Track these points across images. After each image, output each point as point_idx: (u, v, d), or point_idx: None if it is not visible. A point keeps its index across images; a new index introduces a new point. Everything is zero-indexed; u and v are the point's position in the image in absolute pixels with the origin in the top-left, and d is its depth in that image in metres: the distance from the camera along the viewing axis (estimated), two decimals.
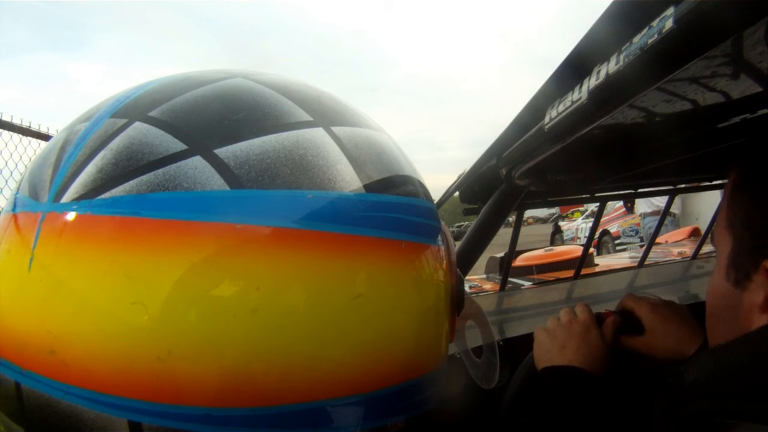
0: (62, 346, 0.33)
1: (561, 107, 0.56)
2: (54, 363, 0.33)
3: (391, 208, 0.40)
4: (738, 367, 0.41)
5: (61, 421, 0.34)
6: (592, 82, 0.49)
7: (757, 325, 0.44)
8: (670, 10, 0.37)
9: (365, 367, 0.37)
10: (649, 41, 0.39)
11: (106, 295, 0.33)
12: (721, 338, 0.46)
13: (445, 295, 0.44)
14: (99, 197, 0.35)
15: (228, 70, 0.45)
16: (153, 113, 0.39)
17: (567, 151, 0.64)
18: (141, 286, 0.33)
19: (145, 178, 0.35)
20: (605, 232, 7.81)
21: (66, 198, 0.36)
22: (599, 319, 0.73)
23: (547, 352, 0.71)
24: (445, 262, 0.44)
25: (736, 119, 0.66)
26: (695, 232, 3.73)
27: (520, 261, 3.04)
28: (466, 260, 1.01)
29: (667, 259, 2.30)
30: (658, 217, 3.97)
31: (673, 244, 3.22)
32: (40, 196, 0.37)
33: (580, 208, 11.16)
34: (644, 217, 5.95)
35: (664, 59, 0.40)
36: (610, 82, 0.46)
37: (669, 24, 0.37)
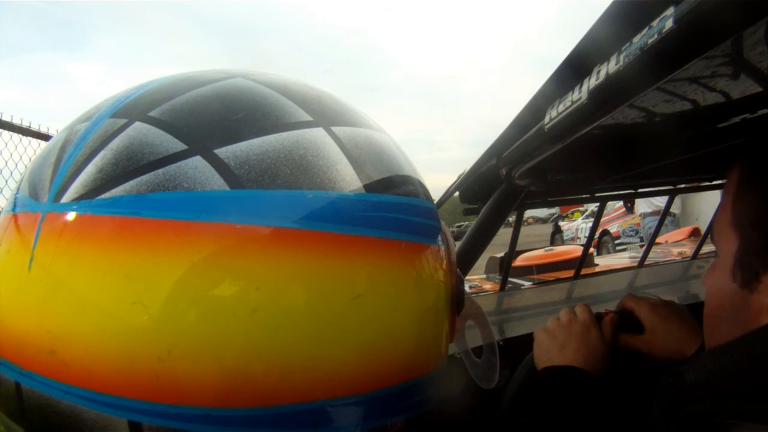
0: (62, 346, 0.33)
1: (561, 107, 0.56)
2: (54, 363, 0.33)
3: (391, 208, 0.40)
4: (738, 367, 0.41)
5: (61, 421, 0.34)
6: (592, 82, 0.49)
7: None
8: (670, 10, 0.37)
9: (365, 367, 0.37)
10: (649, 41, 0.39)
11: (106, 295, 0.33)
12: (722, 340, 0.44)
13: (445, 295, 0.44)
14: (99, 197, 0.35)
15: (228, 70, 0.45)
16: (153, 113, 0.39)
17: (567, 151, 0.64)
18: (141, 286, 0.33)
19: (145, 178, 0.35)
20: (605, 232, 7.81)
21: (66, 198, 0.36)
22: (599, 319, 0.73)
23: (547, 352, 0.71)
24: (445, 262, 0.44)
25: (736, 119, 0.66)
26: (695, 232, 3.73)
27: (520, 261, 3.04)
28: (466, 260, 1.01)
29: (667, 259, 2.30)
30: (658, 217, 3.97)
31: (673, 244, 3.22)
32: (40, 196, 0.37)
33: (580, 208, 11.16)
34: (644, 217, 5.95)
35: (664, 59, 0.40)
36: (610, 82, 0.46)
37: (669, 24, 0.37)
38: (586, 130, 0.56)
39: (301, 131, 0.39)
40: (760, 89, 0.56)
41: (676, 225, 5.27)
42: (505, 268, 1.56)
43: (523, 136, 0.71)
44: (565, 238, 10.05)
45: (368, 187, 0.40)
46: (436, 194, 0.77)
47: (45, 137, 2.71)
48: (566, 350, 0.69)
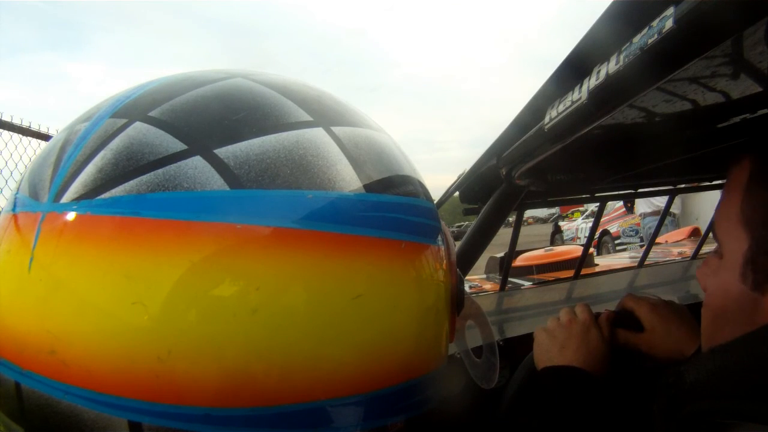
0: (62, 346, 0.33)
1: (561, 107, 0.56)
2: (54, 363, 0.33)
3: (391, 208, 0.40)
4: (738, 367, 0.41)
5: (61, 421, 0.34)
6: (592, 82, 0.49)
7: None
8: (670, 10, 0.37)
9: (365, 367, 0.37)
10: (649, 41, 0.39)
11: (106, 295, 0.33)
12: (725, 341, 0.43)
13: (445, 295, 0.44)
14: (99, 197, 0.35)
15: (228, 70, 0.45)
16: (153, 113, 0.39)
17: (567, 151, 0.64)
18: (141, 286, 0.33)
19: (145, 178, 0.35)
20: (605, 232, 7.81)
21: (66, 198, 0.36)
22: (599, 319, 0.73)
23: (547, 352, 0.71)
24: (445, 262, 0.44)
25: (736, 119, 0.66)
26: (695, 232, 3.73)
27: (520, 261, 3.04)
28: (466, 260, 1.01)
29: (667, 259, 2.30)
30: (658, 217, 3.97)
31: (673, 244, 3.22)
32: (40, 196, 0.37)
33: (580, 208, 11.17)
34: (644, 217, 5.95)
35: (664, 59, 0.40)
36: (610, 82, 0.46)
37: (669, 24, 0.37)
38: (586, 130, 0.56)
39: (301, 131, 0.39)
40: (760, 89, 0.56)
41: (676, 225, 5.27)
42: (505, 268, 1.56)
43: (523, 136, 0.71)
44: (565, 238, 10.05)
45: (368, 187, 0.40)
46: (436, 194, 0.77)
47: (45, 137, 2.70)
48: (566, 350, 0.69)
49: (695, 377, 0.42)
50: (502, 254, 2.70)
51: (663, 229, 2.96)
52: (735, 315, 0.46)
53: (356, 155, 0.41)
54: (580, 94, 0.51)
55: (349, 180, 0.39)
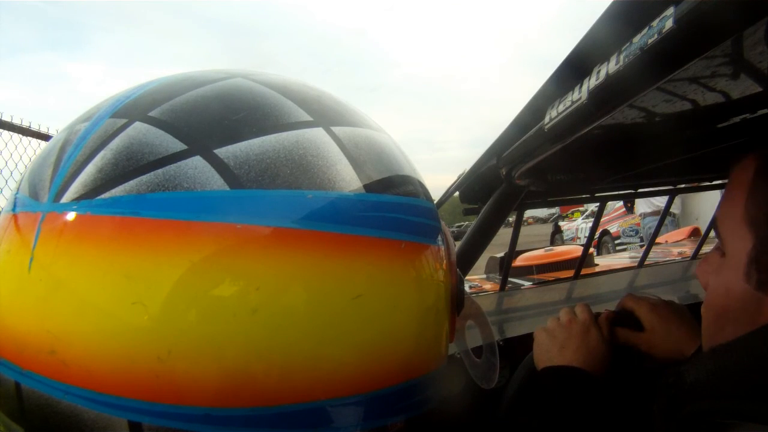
0: (62, 346, 0.33)
1: (561, 107, 0.56)
2: (54, 363, 0.33)
3: (391, 208, 0.40)
4: (738, 367, 0.41)
5: (61, 421, 0.34)
6: (592, 82, 0.49)
7: None
8: (670, 10, 0.37)
9: (365, 367, 0.37)
10: (649, 41, 0.39)
11: (106, 295, 0.33)
12: (727, 341, 0.43)
13: (445, 295, 0.44)
14: (99, 197, 0.35)
15: (228, 70, 0.45)
16: (153, 113, 0.39)
17: (567, 151, 0.64)
18: (141, 286, 0.33)
19: (145, 178, 0.35)
20: (605, 232, 7.81)
21: (66, 198, 0.36)
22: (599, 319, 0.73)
23: (547, 352, 0.71)
24: (445, 262, 0.44)
25: (736, 119, 0.66)
26: (695, 232, 3.73)
27: (520, 261, 3.03)
28: (466, 260, 1.01)
29: (667, 259, 2.30)
30: (658, 217, 3.97)
31: (673, 244, 3.22)
32: (40, 196, 0.37)
33: (580, 208, 11.16)
34: (644, 217, 5.95)
35: (664, 59, 0.40)
36: (610, 82, 0.46)
37: (669, 24, 0.37)
38: (586, 130, 0.56)
39: (301, 131, 0.39)
40: (760, 89, 0.56)
41: (676, 225, 5.27)
42: (505, 268, 1.56)
43: (523, 136, 0.71)
44: (565, 238, 10.05)
45: (368, 187, 0.40)
46: (436, 194, 0.77)
47: (45, 137, 2.70)
48: (566, 350, 0.69)
49: (695, 377, 0.42)
50: (502, 254, 2.70)
51: (663, 229, 2.96)
52: (738, 314, 0.46)
53: (356, 155, 0.41)
54: (580, 94, 0.51)
55: (349, 180, 0.39)
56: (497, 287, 1.62)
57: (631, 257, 2.98)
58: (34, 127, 2.68)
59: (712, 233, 2.02)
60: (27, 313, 0.35)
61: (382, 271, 0.38)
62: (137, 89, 0.43)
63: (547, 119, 0.60)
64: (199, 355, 0.33)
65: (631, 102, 0.49)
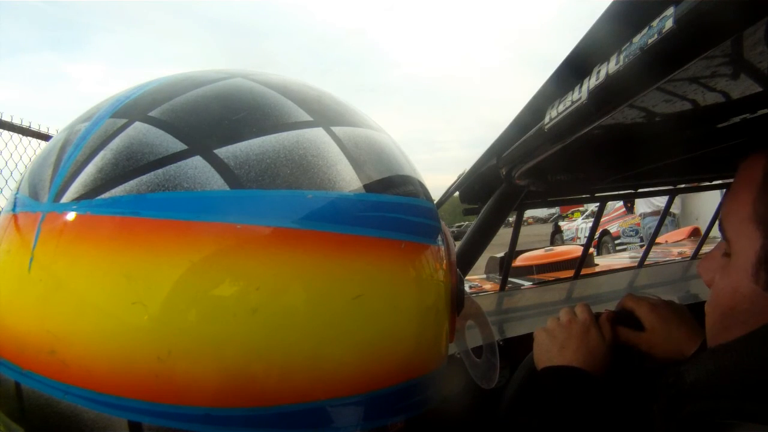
0: (62, 346, 0.33)
1: (561, 107, 0.56)
2: (54, 363, 0.33)
3: (391, 208, 0.40)
4: (738, 367, 0.41)
5: (61, 421, 0.34)
6: (592, 82, 0.49)
7: None
8: (670, 10, 0.37)
9: (365, 367, 0.37)
10: (649, 41, 0.39)
11: (106, 295, 0.33)
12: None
13: (445, 295, 0.44)
14: (99, 197, 0.35)
15: (228, 70, 0.45)
16: (153, 113, 0.39)
17: (567, 151, 0.64)
18: (141, 286, 0.33)
19: (145, 178, 0.35)
20: (605, 232, 7.81)
21: (66, 198, 0.36)
22: (598, 319, 0.73)
23: (547, 352, 0.71)
24: (445, 262, 0.44)
25: (736, 119, 0.66)
26: (695, 232, 3.73)
27: (520, 261, 3.03)
28: (466, 260, 1.01)
29: (667, 259, 2.30)
30: (658, 217, 3.97)
31: (673, 244, 3.22)
32: (40, 196, 0.37)
33: (580, 208, 11.16)
34: (644, 217, 5.96)
35: (664, 59, 0.40)
36: (610, 82, 0.46)
37: (669, 24, 0.37)
38: (586, 130, 0.56)
39: (301, 131, 0.39)
40: (760, 89, 0.56)
41: (676, 225, 5.27)
42: (505, 268, 1.56)
43: (523, 136, 0.71)
44: (565, 238, 10.05)
45: (368, 187, 0.40)
46: (436, 194, 0.77)
47: (45, 137, 2.70)
48: (566, 350, 0.69)
49: (695, 377, 0.42)
50: (502, 254, 2.70)
51: (663, 229, 2.96)
52: (745, 315, 0.45)
53: (356, 155, 0.41)
54: (580, 94, 0.51)
55: (349, 180, 0.39)
56: (497, 287, 1.62)
57: (631, 257, 2.98)
58: (34, 127, 2.69)
59: (713, 233, 2.03)
60: (27, 313, 0.35)
61: (382, 271, 0.38)
62: (137, 89, 0.43)
63: (547, 119, 0.60)
64: (199, 355, 0.33)
65: (631, 102, 0.49)
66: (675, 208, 5.46)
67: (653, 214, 5.56)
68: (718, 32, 0.36)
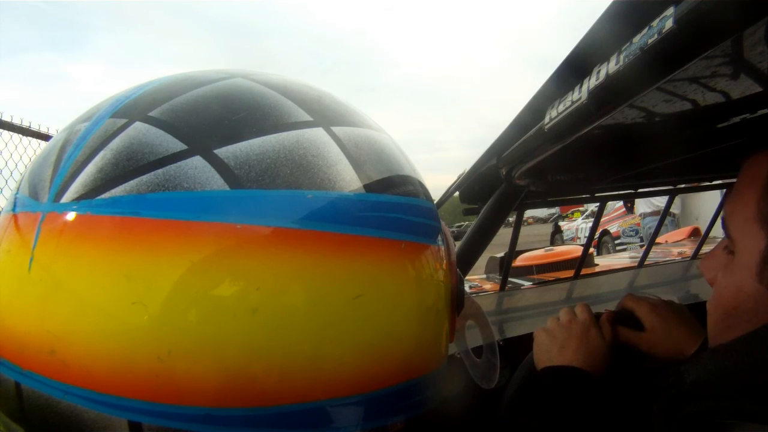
0: (62, 346, 0.33)
1: (561, 107, 0.56)
2: (54, 363, 0.33)
3: (391, 208, 0.40)
4: (738, 367, 0.41)
5: (61, 421, 0.34)
6: (592, 82, 0.49)
7: None
8: (670, 10, 0.37)
9: (365, 367, 0.37)
10: (649, 41, 0.39)
11: (106, 295, 0.33)
12: None
13: (445, 295, 0.44)
14: (99, 197, 0.35)
15: (228, 70, 0.45)
16: (153, 113, 0.39)
17: (567, 151, 0.64)
18: (141, 286, 0.33)
19: (145, 178, 0.35)
20: (605, 232, 7.81)
21: (66, 198, 0.36)
22: (599, 319, 0.73)
23: (547, 352, 0.71)
24: (445, 262, 0.44)
25: (736, 119, 0.66)
26: (695, 232, 3.73)
27: (520, 261, 3.03)
28: (466, 260, 1.01)
29: (667, 259, 2.30)
30: (658, 217, 3.97)
31: (673, 244, 3.22)
32: (40, 196, 0.37)
33: (580, 208, 11.16)
34: (644, 217, 5.96)
35: (664, 59, 0.40)
36: (610, 82, 0.46)
37: (669, 24, 0.37)
38: (586, 130, 0.56)
39: (301, 131, 0.39)
40: (760, 89, 0.56)
41: (676, 225, 5.27)
42: (505, 268, 1.56)
43: (523, 136, 0.71)
44: (565, 238, 10.05)
45: (368, 187, 0.40)
46: (436, 194, 0.77)
47: (45, 137, 2.70)
48: (566, 350, 0.69)
49: (695, 377, 0.42)
50: (502, 254, 2.70)
51: (663, 229, 2.97)
52: (748, 315, 0.45)
53: (356, 155, 0.41)
54: (580, 94, 0.51)
55: (349, 180, 0.39)
56: (497, 287, 1.62)
57: (631, 257, 2.98)
58: (34, 127, 2.69)
59: (713, 233, 2.03)
60: (27, 313, 0.35)
61: (382, 271, 0.38)
62: (137, 89, 0.43)
63: (547, 119, 0.60)
64: (199, 355, 0.33)
65: (631, 102, 0.49)
66: (675, 208, 5.46)
67: (653, 214, 5.56)
68: (718, 32, 0.36)
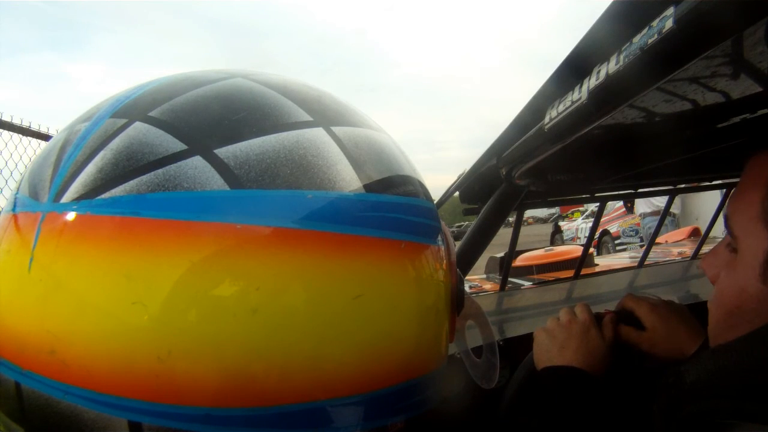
0: (62, 346, 0.33)
1: (561, 107, 0.56)
2: (54, 363, 0.33)
3: (391, 208, 0.40)
4: (738, 367, 0.41)
5: (61, 421, 0.34)
6: (592, 82, 0.49)
7: None
8: (670, 10, 0.37)
9: (365, 367, 0.37)
10: (649, 41, 0.39)
11: (106, 295, 0.33)
12: None
13: (445, 295, 0.44)
14: (99, 197, 0.35)
15: (228, 70, 0.45)
16: (153, 113, 0.39)
17: (567, 151, 0.64)
18: (141, 286, 0.33)
19: (145, 178, 0.35)
20: (605, 232, 7.81)
21: (66, 198, 0.36)
22: (599, 319, 0.73)
23: (547, 352, 0.71)
24: (445, 262, 0.44)
25: (736, 119, 0.66)
26: (695, 232, 3.73)
27: (520, 261, 3.03)
28: (466, 260, 1.01)
29: (667, 259, 2.30)
30: (658, 217, 3.97)
31: (673, 244, 3.22)
32: (40, 196, 0.37)
33: (580, 208, 11.16)
34: (644, 217, 5.96)
35: (664, 59, 0.40)
36: (610, 82, 0.46)
37: (669, 24, 0.37)
38: (586, 130, 0.56)
39: (301, 131, 0.39)
40: (760, 89, 0.56)
41: (676, 225, 5.27)
42: (505, 268, 1.56)
43: (523, 136, 0.71)
44: (565, 238, 10.05)
45: (368, 187, 0.40)
46: (436, 194, 0.77)
47: (45, 137, 2.70)
48: (566, 350, 0.69)
49: (695, 377, 0.42)
50: (502, 254, 2.70)
51: (663, 229, 2.96)
52: (750, 315, 0.45)
53: (356, 155, 0.41)
54: (580, 94, 0.51)
55: (349, 180, 0.39)
56: (497, 287, 1.62)
57: (631, 257, 2.98)
58: (34, 127, 2.68)
59: (713, 233, 2.03)
60: (27, 313, 0.35)
61: (382, 271, 0.38)
62: (137, 89, 0.43)
63: (547, 119, 0.60)
64: (199, 355, 0.33)
65: (631, 102, 0.49)
66: (675, 208, 5.46)
67: (653, 214, 5.56)
68: (718, 32, 0.36)
